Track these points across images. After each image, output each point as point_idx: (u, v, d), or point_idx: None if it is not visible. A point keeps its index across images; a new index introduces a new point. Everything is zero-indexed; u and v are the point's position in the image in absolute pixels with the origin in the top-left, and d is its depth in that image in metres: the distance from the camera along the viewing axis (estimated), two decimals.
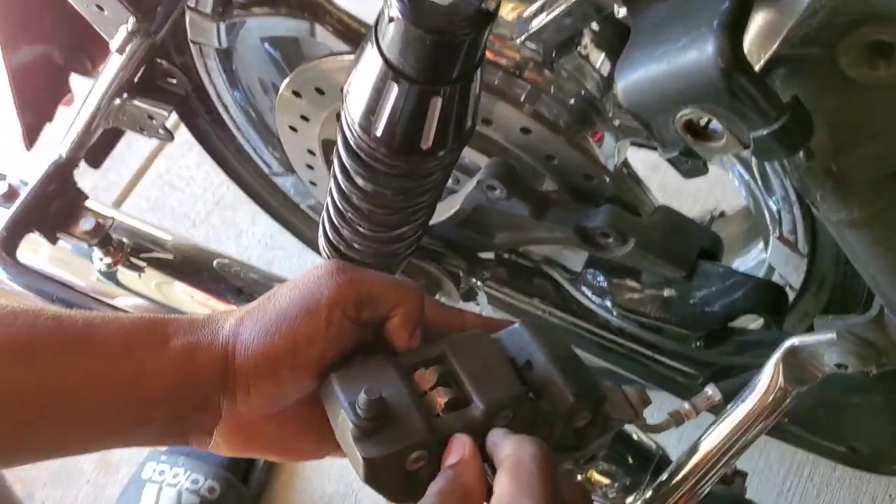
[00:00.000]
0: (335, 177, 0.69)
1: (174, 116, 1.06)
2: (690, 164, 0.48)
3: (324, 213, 0.78)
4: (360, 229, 0.75)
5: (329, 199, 0.74)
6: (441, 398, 0.59)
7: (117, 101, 0.85)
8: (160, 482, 1.27)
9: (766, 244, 0.86)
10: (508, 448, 0.52)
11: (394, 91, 0.52)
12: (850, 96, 0.49)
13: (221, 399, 0.58)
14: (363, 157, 0.61)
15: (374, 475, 0.55)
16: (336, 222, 0.76)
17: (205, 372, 0.58)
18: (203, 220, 1.62)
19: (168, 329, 0.59)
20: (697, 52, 0.43)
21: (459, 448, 0.55)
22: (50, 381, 0.55)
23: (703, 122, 0.46)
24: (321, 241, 0.82)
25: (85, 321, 0.58)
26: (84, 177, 1.64)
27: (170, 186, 1.66)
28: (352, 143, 0.61)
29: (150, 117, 0.86)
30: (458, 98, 0.54)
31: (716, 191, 1.43)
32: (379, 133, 0.56)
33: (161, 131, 0.89)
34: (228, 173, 1.20)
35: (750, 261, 0.97)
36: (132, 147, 1.69)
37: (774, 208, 0.81)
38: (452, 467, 0.54)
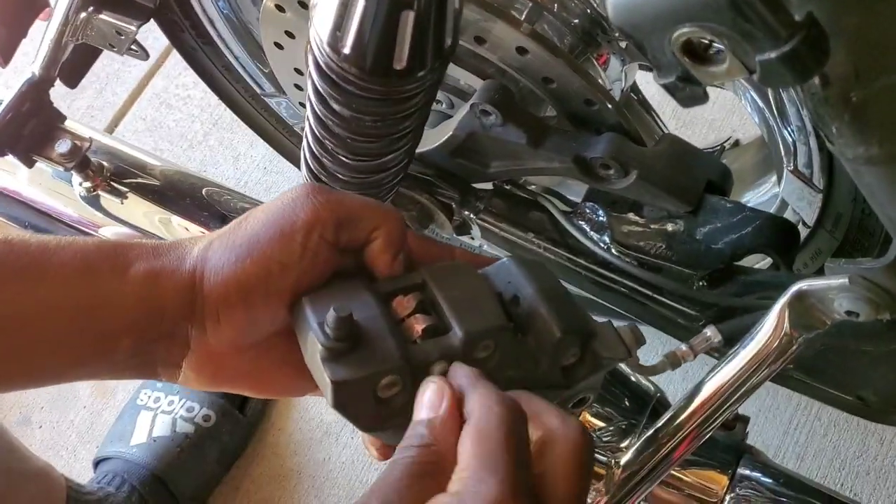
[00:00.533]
0: (310, 102, 0.64)
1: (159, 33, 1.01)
2: (689, 90, 0.42)
3: (304, 142, 0.73)
4: (342, 158, 0.70)
5: (307, 127, 0.69)
6: (419, 325, 0.55)
7: (83, 14, 0.80)
8: (155, 409, 1.26)
9: (780, 177, 0.80)
10: (474, 402, 0.47)
11: (359, 3, 0.47)
12: (875, 14, 0.42)
13: (189, 329, 0.55)
14: (334, 78, 0.56)
15: (343, 400, 0.52)
16: (316, 151, 0.71)
17: (170, 300, 0.54)
18: (200, 140, 1.57)
19: (130, 254, 0.54)
20: None
21: (436, 400, 0.49)
22: (0, 309, 0.52)
23: (703, 43, 0.41)
24: (303, 171, 0.77)
25: (39, 245, 0.54)
26: (79, 96, 1.60)
27: (167, 106, 1.60)
28: (321, 63, 0.56)
29: (119, 32, 0.80)
30: (433, 11, 0.49)
31: (732, 119, 1.36)
32: (347, 51, 0.51)
33: (134, 48, 0.84)
34: (219, 95, 1.14)
35: (763, 194, 0.92)
36: (128, 65, 1.63)
37: (789, 139, 0.76)
38: (427, 428, 0.48)
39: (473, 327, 0.55)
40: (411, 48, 0.50)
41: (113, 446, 1.25)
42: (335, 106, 0.61)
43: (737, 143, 1.09)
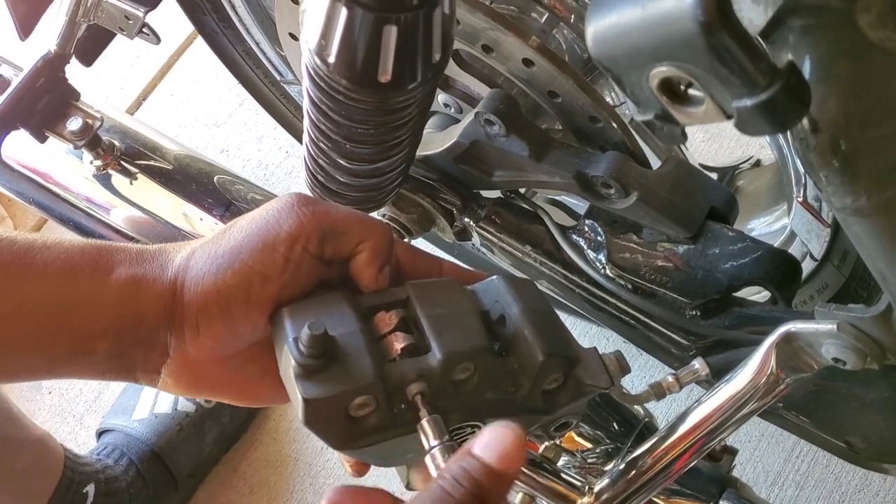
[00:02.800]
0: (305, 104, 0.63)
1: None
2: (667, 129, 0.41)
3: (304, 146, 0.72)
4: (338, 161, 0.69)
5: (305, 128, 0.68)
6: (398, 343, 0.54)
7: None
8: None
9: (790, 207, 0.78)
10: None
11: (342, 16, 0.46)
12: (868, 63, 0.41)
13: (168, 338, 0.54)
14: (323, 86, 0.55)
15: (314, 418, 0.51)
16: (313, 152, 0.70)
17: (149, 307, 0.54)
18: (226, 120, 1.57)
19: (113, 258, 0.55)
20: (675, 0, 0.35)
21: (514, 453, 0.44)
22: None
23: (682, 83, 0.39)
24: (305, 173, 0.77)
25: (25, 243, 0.54)
26: (109, 68, 1.61)
27: (195, 82, 1.61)
28: (310, 69, 0.55)
29: (127, 17, 0.80)
30: (419, 27, 0.48)
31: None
32: (332, 60, 0.50)
33: (145, 32, 0.84)
34: (240, 79, 1.14)
35: (773, 221, 0.89)
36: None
37: (801, 169, 0.73)
38: (486, 476, 0.43)
39: (453, 348, 0.53)
40: (396, 62, 0.49)
41: (116, 419, 1.27)
42: (328, 112, 0.60)
43: (758, 164, 1.06)
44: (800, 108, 0.37)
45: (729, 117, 0.38)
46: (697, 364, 0.66)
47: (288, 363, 0.51)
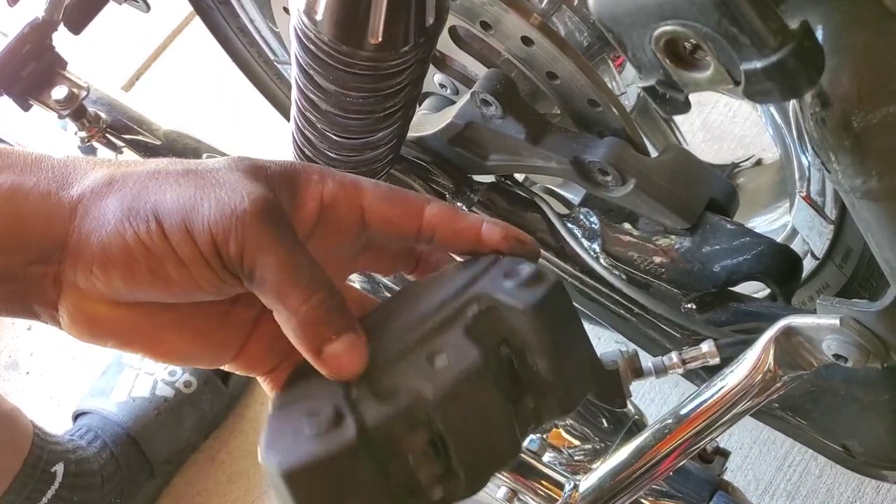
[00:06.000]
0: (294, 73, 0.61)
1: None
2: (669, 96, 0.38)
3: (292, 118, 0.70)
4: (326, 133, 0.67)
5: (293, 98, 0.66)
6: (423, 474, 0.42)
7: None
8: (138, 369, 1.24)
9: (793, 203, 0.76)
10: None
11: None
12: (885, 34, 0.38)
13: (62, 263, 0.44)
14: (313, 49, 0.53)
15: None
16: (301, 124, 0.68)
17: (36, 220, 0.44)
18: (236, 89, 1.54)
19: None
20: None
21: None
22: None
23: (687, 45, 0.37)
24: (292, 148, 0.74)
25: None
26: (108, 40, 1.58)
27: (198, 56, 1.58)
28: (299, 32, 0.52)
29: None
30: None
31: (763, 137, 1.30)
32: (320, 18, 0.47)
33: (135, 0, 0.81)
34: (232, 57, 1.12)
35: (774, 219, 0.87)
36: (160, 12, 1.62)
37: (805, 163, 0.71)
38: None
39: (483, 476, 0.43)
40: (388, 23, 0.46)
41: (93, 401, 1.24)
42: (317, 79, 0.58)
43: (759, 163, 1.03)
44: (812, 74, 0.34)
45: (736, 83, 0.36)
46: (706, 347, 0.62)
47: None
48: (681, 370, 0.63)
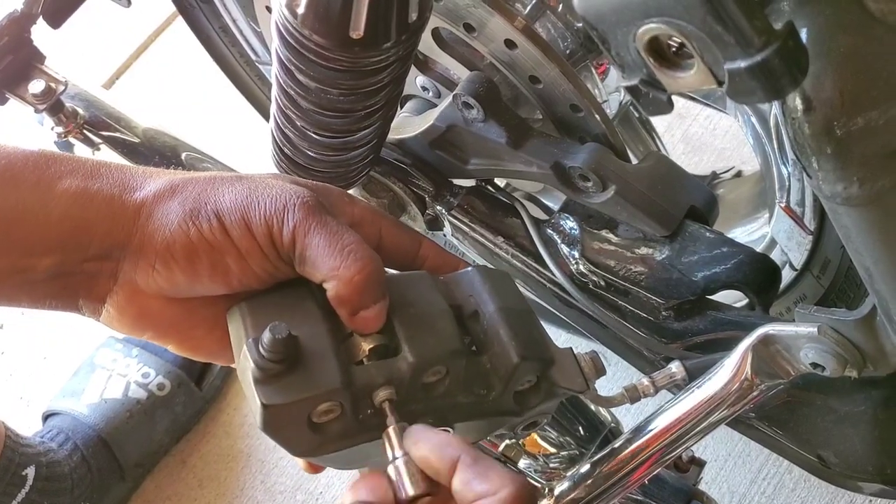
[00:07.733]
0: (274, 70, 0.60)
1: None
2: (652, 96, 0.38)
3: (272, 115, 0.69)
4: (306, 132, 0.66)
5: (273, 95, 0.65)
6: (366, 344, 0.50)
7: None
8: (111, 370, 1.22)
9: (772, 214, 0.76)
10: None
11: None
12: (869, 38, 0.38)
13: (121, 261, 0.50)
14: (294, 45, 0.52)
15: (274, 424, 0.47)
16: (280, 122, 0.67)
17: (102, 224, 0.50)
18: (216, 90, 1.53)
19: (62, 168, 0.51)
20: None
21: (376, 488, 0.46)
22: None
23: (672, 43, 0.36)
24: (272, 147, 0.73)
25: None
26: (89, 38, 1.57)
27: (179, 57, 1.56)
28: (281, 27, 0.52)
29: None
30: None
31: (744, 150, 1.31)
32: (301, 11, 0.47)
33: None
34: (214, 56, 1.11)
35: (754, 230, 0.87)
36: (141, 12, 1.61)
37: (785, 173, 0.71)
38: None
39: (425, 352, 0.50)
40: (369, 17, 0.46)
41: (63, 402, 1.22)
42: (298, 75, 0.57)
43: (739, 174, 1.04)
44: (796, 74, 0.34)
45: (720, 83, 0.36)
46: (674, 367, 0.63)
47: (246, 364, 0.48)
48: (653, 393, 0.63)
